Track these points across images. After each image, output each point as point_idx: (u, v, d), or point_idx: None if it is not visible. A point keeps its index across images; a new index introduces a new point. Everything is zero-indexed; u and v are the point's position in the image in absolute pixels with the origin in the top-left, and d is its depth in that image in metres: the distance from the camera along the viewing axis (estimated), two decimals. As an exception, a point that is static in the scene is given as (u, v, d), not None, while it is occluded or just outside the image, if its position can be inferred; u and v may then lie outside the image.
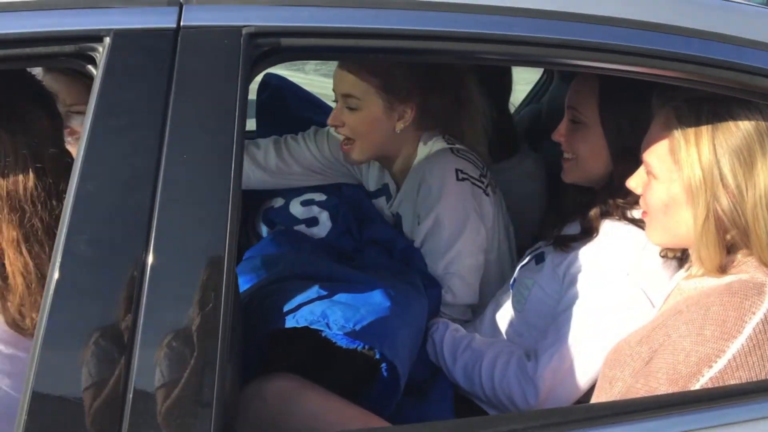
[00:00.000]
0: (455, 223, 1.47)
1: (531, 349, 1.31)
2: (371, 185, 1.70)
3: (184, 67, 0.77)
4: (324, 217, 1.59)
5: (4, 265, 0.89)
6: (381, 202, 1.67)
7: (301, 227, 1.59)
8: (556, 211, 1.46)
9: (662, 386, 0.97)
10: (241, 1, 0.81)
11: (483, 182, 1.52)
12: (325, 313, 1.14)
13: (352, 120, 1.50)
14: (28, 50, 0.75)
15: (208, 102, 0.77)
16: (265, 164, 1.68)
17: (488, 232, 1.52)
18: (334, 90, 1.54)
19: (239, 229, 0.79)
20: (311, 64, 5.22)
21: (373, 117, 1.50)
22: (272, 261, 1.40)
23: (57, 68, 1.60)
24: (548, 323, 1.31)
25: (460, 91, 1.58)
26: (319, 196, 1.63)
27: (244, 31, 0.79)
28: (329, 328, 1.12)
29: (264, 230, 1.64)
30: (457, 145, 1.54)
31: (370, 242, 1.55)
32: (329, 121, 1.55)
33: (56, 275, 0.72)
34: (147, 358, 0.73)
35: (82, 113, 1.69)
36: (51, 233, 0.88)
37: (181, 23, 0.77)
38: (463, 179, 1.49)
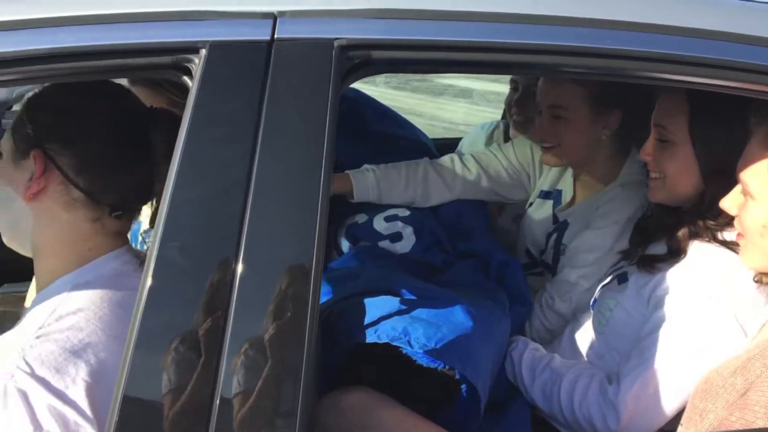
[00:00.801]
0: (610, 246, 1.51)
1: (612, 373, 1.26)
2: (545, 185, 1.74)
3: (277, 79, 0.77)
4: (408, 232, 1.59)
5: None
6: (547, 204, 1.72)
7: (385, 243, 1.59)
8: (641, 231, 1.41)
9: (760, 420, 0.92)
10: (333, 14, 0.81)
11: None
12: (406, 329, 1.12)
13: (559, 129, 1.57)
14: (128, 61, 0.77)
15: (300, 113, 0.78)
16: (452, 183, 1.71)
17: None
18: (539, 101, 1.60)
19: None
20: (381, 77, 5.28)
21: (580, 126, 1.55)
22: (352, 275, 1.40)
23: (141, 80, 1.66)
24: (631, 346, 1.26)
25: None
26: (403, 212, 1.63)
27: (336, 44, 0.79)
28: (410, 345, 1.11)
29: (346, 246, 1.64)
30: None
31: (464, 255, 1.54)
32: (534, 132, 1.61)
33: (149, 282, 0.73)
34: (234, 365, 0.73)
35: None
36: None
37: (275, 35, 0.78)
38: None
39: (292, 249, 0.76)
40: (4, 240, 1.03)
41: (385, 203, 1.65)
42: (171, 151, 0.92)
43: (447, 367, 1.13)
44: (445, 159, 1.77)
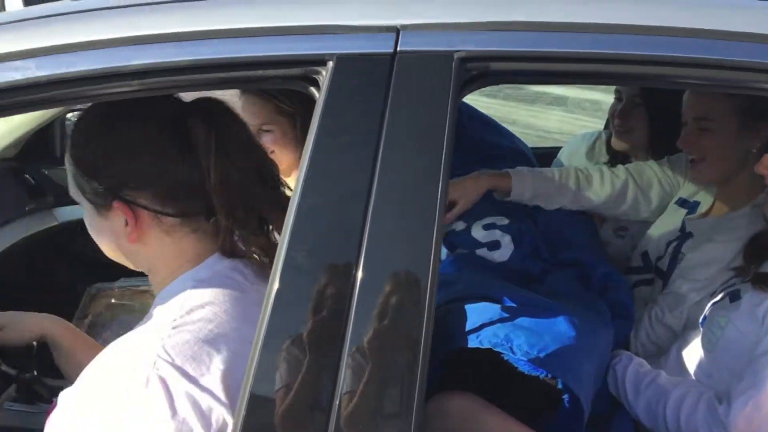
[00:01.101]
0: (728, 262, 1.48)
1: (721, 392, 1.23)
2: (685, 193, 1.73)
3: (399, 89, 0.81)
4: (506, 240, 1.59)
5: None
6: (680, 212, 1.70)
7: (483, 251, 1.60)
8: (757, 247, 1.37)
9: None
10: (453, 28, 0.84)
11: None
12: (508, 336, 1.13)
13: (706, 142, 1.54)
14: (261, 72, 0.82)
15: (420, 123, 0.80)
16: (600, 191, 1.71)
17: None
18: (684, 112, 1.59)
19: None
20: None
21: (727, 138, 1.52)
22: (451, 281, 1.42)
23: (253, 90, 1.73)
24: (742, 366, 1.23)
25: None
26: (501, 220, 1.63)
27: (455, 56, 0.81)
28: (513, 352, 1.11)
29: (443, 253, 1.66)
30: None
31: (564, 265, 1.53)
32: (679, 143, 1.59)
33: (276, 285, 0.78)
34: (354, 366, 0.77)
35: (271, 131, 1.83)
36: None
37: (398, 48, 0.81)
38: None
39: (411, 254, 0.79)
40: (111, 257, 1.06)
41: (532, 204, 1.66)
42: (211, 141, 0.94)
43: (549, 376, 1.13)
44: (592, 167, 1.77)
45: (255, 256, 1.01)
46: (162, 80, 0.81)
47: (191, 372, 0.86)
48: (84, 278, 2.31)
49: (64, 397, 0.93)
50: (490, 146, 1.81)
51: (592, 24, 0.86)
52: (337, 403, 0.76)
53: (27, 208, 2.28)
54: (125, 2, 0.88)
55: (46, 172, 2.38)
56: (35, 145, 2.39)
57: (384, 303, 0.78)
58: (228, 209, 0.95)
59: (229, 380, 0.87)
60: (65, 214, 2.36)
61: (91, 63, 0.79)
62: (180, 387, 0.85)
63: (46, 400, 1.71)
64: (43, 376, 1.74)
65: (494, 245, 1.64)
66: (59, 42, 0.80)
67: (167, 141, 0.95)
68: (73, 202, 2.54)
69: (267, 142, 1.84)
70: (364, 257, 0.77)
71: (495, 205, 1.69)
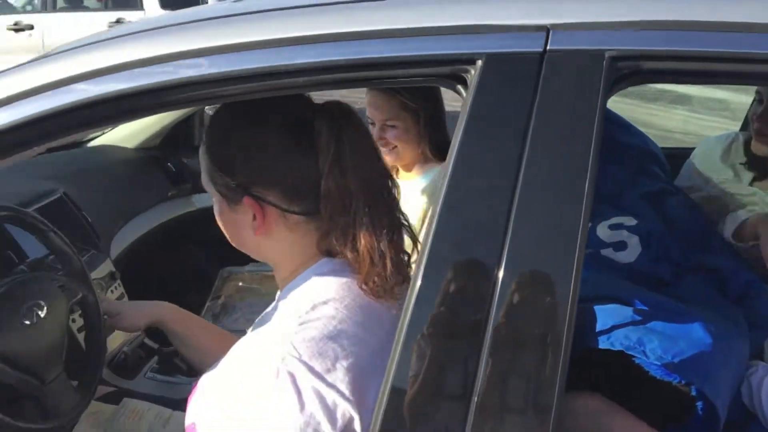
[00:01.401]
0: None
1: None
2: None
3: (547, 89, 0.81)
4: (634, 241, 1.55)
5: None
6: None
7: (608, 251, 1.56)
8: None
9: None
10: (604, 26, 0.83)
11: None
12: (641, 340, 1.11)
13: None
14: (412, 71, 0.85)
15: (568, 121, 0.81)
16: None
17: None
18: None
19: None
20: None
21: None
22: (578, 280, 1.40)
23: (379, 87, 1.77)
24: None
25: None
26: (629, 221, 1.59)
27: (606, 55, 0.81)
28: (645, 356, 1.10)
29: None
30: None
31: (698, 269, 1.48)
32: None
33: (419, 282, 0.80)
34: (494, 363, 0.78)
35: (396, 127, 1.87)
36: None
37: (548, 47, 0.82)
38: None
39: (555, 253, 0.79)
40: (236, 247, 1.10)
41: None
42: (331, 145, 0.95)
43: (683, 382, 1.10)
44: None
45: (349, 255, 1.00)
46: (320, 78, 0.85)
47: (318, 368, 0.88)
48: (217, 261, 2.45)
49: (203, 381, 1.00)
50: (620, 146, 1.76)
51: (744, 23, 0.84)
52: (476, 398, 0.77)
53: (169, 194, 2.45)
54: (285, 4, 0.94)
55: (185, 161, 2.54)
56: (176, 135, 2.56)
57: (526, 300, 0.79)
58: (335, 212, 0.96)
59: (352, 376, 0.88)
60: (203, 200, 2.52)
61: (258, 62, 0.85)
62: (307, 382, 0.87)
63: (184, 373, 1.84)
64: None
65: (620, 246, 1.61)
66: (229, 42, 0.86)
67: (294, 141, 0.98)
68: (210, 190, 2.65)
69: (391, 137, 1.89)
70: (507, 253, 0.78)
71: (622, 204, 1.65)
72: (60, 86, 0.87)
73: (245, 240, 1.05)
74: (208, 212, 2.64)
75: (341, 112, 0.99)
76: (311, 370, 0.88)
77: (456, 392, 0.79)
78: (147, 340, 1.93)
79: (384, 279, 0.95)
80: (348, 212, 0.96)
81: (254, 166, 1.00)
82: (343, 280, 0.99)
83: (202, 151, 1.06)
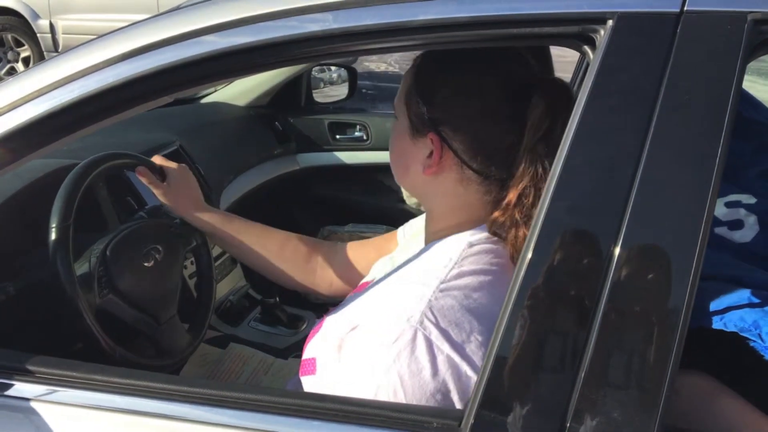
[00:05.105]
0: None
1: None
2: None
3: (682, 52, 0.77)
4: (751, 221, 1.47)
5: None
6: None
7: (722, 229, 1.49)
8: None
9: None
10: (749, -14, 0.78)
11: None
12: (757, 323, 1.06)
13: None
14: (537, 30, 0.83)
15: (703, 87, 0.77)
16: None
17: None
18: None
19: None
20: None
21: None
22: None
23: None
24: None
25: None
26: (748, 198, 1.50)
27: (749, 17, 0.76)
28: (761, 340, 1.05)
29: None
30: None
31: None
32: None
33: (530, 255, 0.78)
34: (602, 342, 0.76)
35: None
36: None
37: (685, 8, 0.78)
38: None
39: (679, 226, 0.76)
40: (396, 179, 1.09)
41: None
42: (542, 126, 0.94)
43: (802, 370, 1.05)
44: None
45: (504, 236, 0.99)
46: (444, 35, 0.84)
47: (454, 337, 0.88)
48: (318, 219, 2.51)
49: (330, 322, 1.00)
50: (745, 121, 1.66)
51: None
52: (583, 373, 0.76)
53: (275, 152, 2.51)
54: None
55: (291, 120, 2.60)
56: (284, 95, 2.61)
57: (643, 276, 0.76)
58: (521, 192, 0.94)
59: (484, 352, 0.87)
60: (307, 159, 2.57)
61: (380, 18, 0.85)
62: (443, 349, 0.87)
63: (285, 324, 1.90)
64: (284, 303, 1.93)
65: (736, 224, 1.53)
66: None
67: (504, 103, 0.97)
68: (314, 149, 2.77)
69: None
70: (626, 228, 0.76)
71: (741, 182, 1.56)
72: (190, 38, 0.91)
73: (409, 174, 1.04)
74: (310, 171, 2.72)
75: (563, 91, 0.97)
76: (448, 338, 0.88)
77: (563, 364, 0.77)
78: (251, 291, 2.01)
79: None
80: (528, 195, 0.94)
81: (457, 108, 0.98)
82: (495, 252, 0.98)
83: (411, 72, 1.04)
